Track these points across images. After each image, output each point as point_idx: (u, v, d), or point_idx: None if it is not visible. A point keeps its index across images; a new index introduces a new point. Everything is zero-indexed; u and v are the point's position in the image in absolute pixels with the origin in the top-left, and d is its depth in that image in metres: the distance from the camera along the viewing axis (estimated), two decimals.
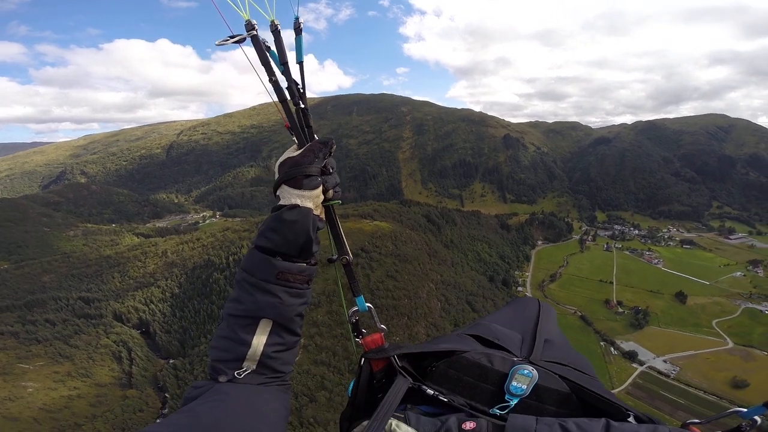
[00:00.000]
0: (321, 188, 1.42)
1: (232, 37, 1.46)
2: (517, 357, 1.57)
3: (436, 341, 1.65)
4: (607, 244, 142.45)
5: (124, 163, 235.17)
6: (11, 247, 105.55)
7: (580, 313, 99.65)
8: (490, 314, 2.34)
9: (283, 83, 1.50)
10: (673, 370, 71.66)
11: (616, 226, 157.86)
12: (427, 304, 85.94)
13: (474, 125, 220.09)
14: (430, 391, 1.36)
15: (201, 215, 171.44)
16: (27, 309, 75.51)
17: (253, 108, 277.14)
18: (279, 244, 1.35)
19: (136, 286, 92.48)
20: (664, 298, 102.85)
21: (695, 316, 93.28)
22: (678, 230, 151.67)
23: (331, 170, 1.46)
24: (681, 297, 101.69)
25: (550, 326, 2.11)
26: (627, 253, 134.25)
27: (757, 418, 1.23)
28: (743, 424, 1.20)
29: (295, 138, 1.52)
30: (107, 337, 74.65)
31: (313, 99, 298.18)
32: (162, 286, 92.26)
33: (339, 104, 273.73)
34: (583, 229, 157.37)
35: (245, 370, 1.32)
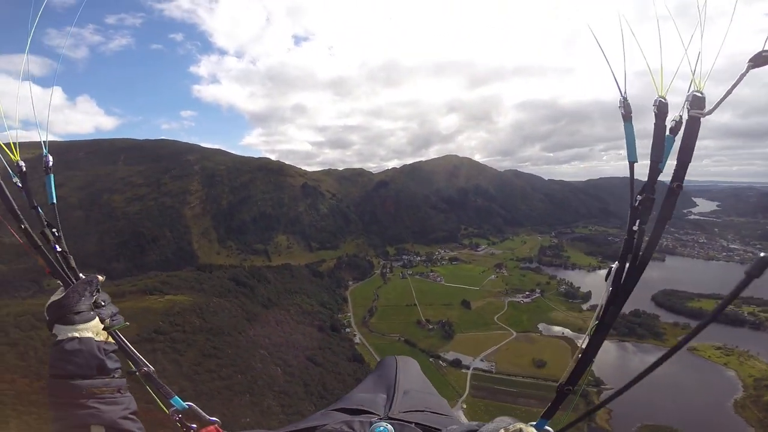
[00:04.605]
0: (97, 319, 1.57)
1: None
2: (378, 416, 1.67)
3: (296, 423, 1.69)
4: (402, 272, 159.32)
5: None
6: None
7: (403, 339, 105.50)
8: (357, 386, 2.43)
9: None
10: (492, 366, 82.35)
11: (404, 256, 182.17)
12: (266, 373, 75.11)
13: (272, 175, 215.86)
14: None
15: None
16: None
17: None
18: (72, 369, 1.44)
19: None
20: (455, 308, 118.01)
21: (481, 317, 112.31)
22: (445, 251, 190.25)
23: (103, 303, 1.63)
24: (466, 304, 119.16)
25: (411, 376, 2.26)
26: (417, 277, 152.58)
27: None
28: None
29: (60, 282, 1.62)
30: None
31: (56, 142, 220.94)
32: None
33: (98, 150, 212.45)
34: (381, 263, 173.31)
35: None
